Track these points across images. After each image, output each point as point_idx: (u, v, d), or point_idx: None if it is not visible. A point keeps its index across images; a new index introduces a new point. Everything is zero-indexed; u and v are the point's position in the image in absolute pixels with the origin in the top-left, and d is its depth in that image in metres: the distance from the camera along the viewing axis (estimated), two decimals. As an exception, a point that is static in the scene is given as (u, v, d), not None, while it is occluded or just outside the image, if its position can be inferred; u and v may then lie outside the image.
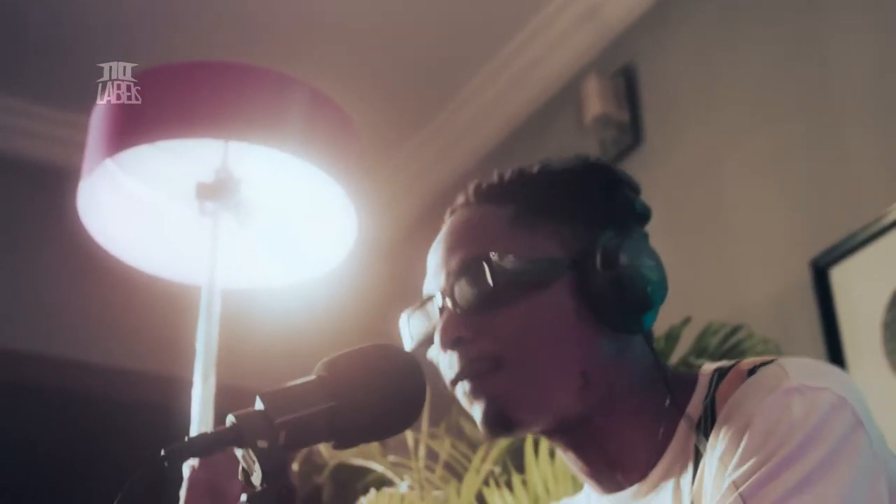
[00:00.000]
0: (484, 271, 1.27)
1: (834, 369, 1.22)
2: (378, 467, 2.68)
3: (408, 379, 1.20)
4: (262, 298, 2.66)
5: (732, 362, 1.28)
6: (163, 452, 1.09)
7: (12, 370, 4.08)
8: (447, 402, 2.78)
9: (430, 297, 1.32)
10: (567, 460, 1.35)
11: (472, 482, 2.51)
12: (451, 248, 1.32)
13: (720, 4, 3.50)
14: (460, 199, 1.37)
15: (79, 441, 4.16)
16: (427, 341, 1.33)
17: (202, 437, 1.12)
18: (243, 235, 2.36)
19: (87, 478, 3.57)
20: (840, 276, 2.90)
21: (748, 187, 3.26)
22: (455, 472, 2.68)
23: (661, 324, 2.57)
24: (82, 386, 4.18)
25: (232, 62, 2.24)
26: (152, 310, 3.70)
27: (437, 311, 1.31)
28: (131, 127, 2.15)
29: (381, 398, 1.18)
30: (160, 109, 2.15)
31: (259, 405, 1.14)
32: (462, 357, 1.28)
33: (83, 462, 4.07)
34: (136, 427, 3.57)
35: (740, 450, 1.14)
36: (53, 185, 3.57)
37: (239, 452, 1.13)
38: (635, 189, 1.36)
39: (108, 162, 2.22)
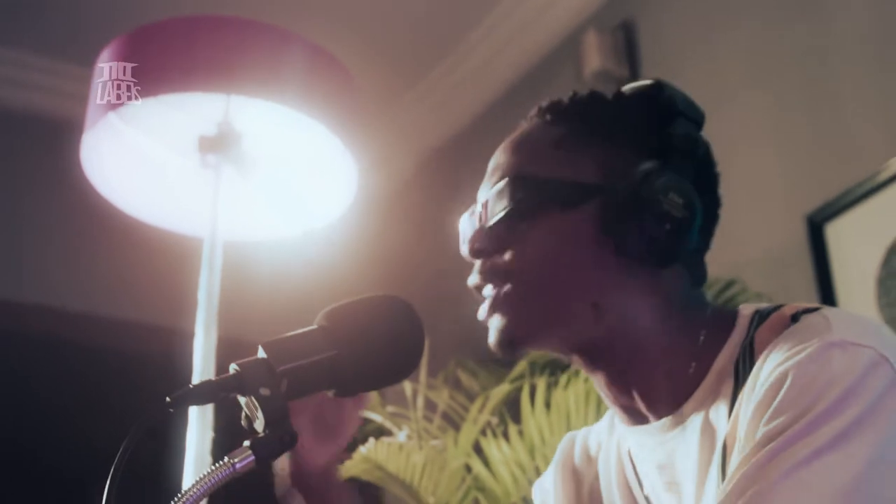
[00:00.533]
0: (513, 188, 1.29)
1: (878, 325, 1.20)
2: (377, 417, 2.71)
3: (407, 329, 1.23)
4: (263, 250, 2.69)
5: (774, 305, 1.27)
6: (167, 399, 1.12)
7: (15, 321, 4.11)
8: (445, 355, 2.83)
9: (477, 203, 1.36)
10: (595, 384, 1.35)
11: (469, 432, 2.54)
12: (498, 160, 1.36)
13: (720, -40, 3.51)
14: (532, 112, 1.39)
15: (81, 391, 4.19)
16: None
17: (206, 384, 1.15)
18: (244, 188, 2.38)
19: (88, 428, 3.60)
20: (835, 231, 2.92)
21: (745, 143, 3.28)
22: (453, 422, 2.71)
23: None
24: (85, 337, 4.21)
25: (233, 17, 2.26)
26: (155, 262, 3.72)
27: (477, 219, 1.34)
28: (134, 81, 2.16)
29: (381, 347, 1.21)
30: (163, 63, 2.17)
31: (262, 354, 1.16)
32: (481, 267, 1.31)
33: (85, 412, 4.10)
34: (137, 378, 3.60)
35: (777, 401, 1.13)
36: (57, 137, 3.59)
37: (242, 400, 1.16)
38: (696, 120, 1.34)
39: (112, 115, 2.24)
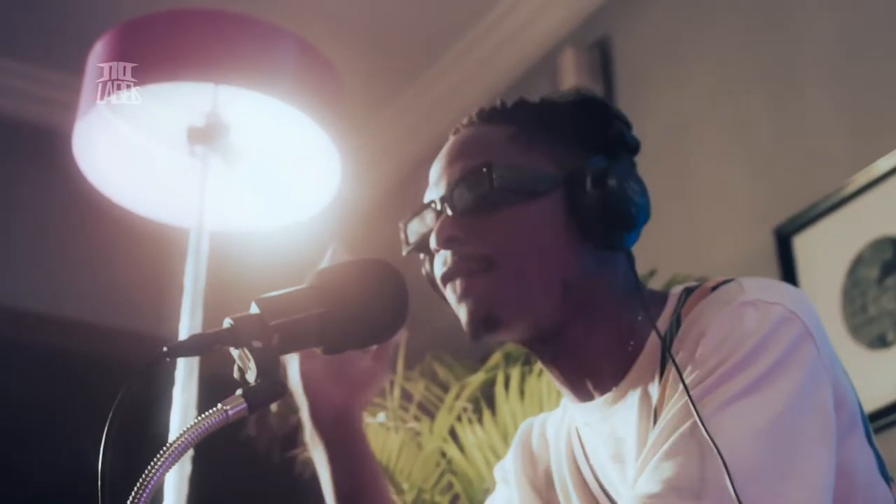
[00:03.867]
0: (481, 178, 1.34)
1: (788, 287, 1.29)
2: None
3: (392, 290, 1.29)
4: (249, 241, 2.72)
5: (700, 283, 1.36)
6: (164, 349, 1.17)
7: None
8: (422, 350, 2.87)
9: (428, 204, 1.40)
10: (546, 370, 1.43)
11: (444, 419, 2.59)
12: (452, 160, 1.40)
13: (691, -20, 3.59)
14: (464, 121, 1.44)
15: (63, 397, 4.16)
16: (422, 245, 1.41)
17: (201, 335, 1.20)
18: (231, 179, 2.43)
19: (68, 436, 3.56)
20: (802, 243, 2.99)
21: (715, 157, 3.35)
22: (428, 412, 2.75)
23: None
24: (63, 341, 4.18)
25: (222, 10, 2.31)
26: (140, 266, 3.74)
27: (434, 216, 1.38)
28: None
29: (368, 306, 1.27)
30: (152, 54, 2.21)
31: (254, 309, 1.22)
32: (454, 254, 1.35)
33: (66, 419, 4.06)
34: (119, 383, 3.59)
35: (697, 355, 1.22)
36: (41, 144, 3.64)
37: (235, 352, 1.21)
38: (627, 124, 1.42)
39: (102, 105, 2.28)
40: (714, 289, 1.30)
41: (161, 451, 1.11)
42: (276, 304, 1.23)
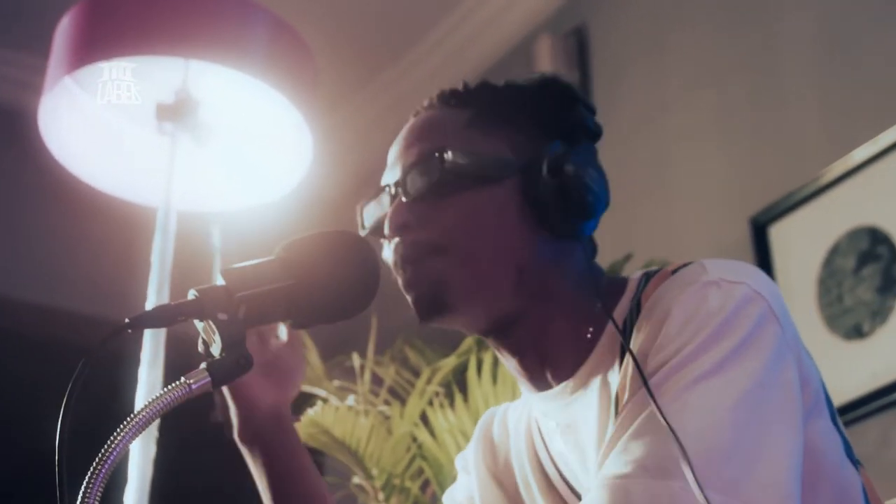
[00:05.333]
0: (435, 163, 1.32)
1: (752, 268, 1.27)
2: (322, 392, 2.72)
3: (363, 263, 1.26)
4: (218, 221, 2.68)
5: (661, 267, 1.33)
6: (127, 320, 1.14)
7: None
8: (393, 334, 2.85)
9: (384, 188, 1.37)
10: (503, 360, 1.40)
11: (415, 403, 2.57)
12: (408, 143, 1.37)
13: (670, -33, 3.57)
14: (424, 103, 1.42)
15: (24, 382, 4.12)
16: (379, 229, 1.38)
17: (165, 307, 1.16)
18: (200, 157, 2.39)
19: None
20: (778, 233, 2.98)
21: (692, 145, 3.34)
22: (399, 396, 2.73)
23: (603, 263, 2.64)
24: (24, 326, 4.15)
25: (193, -16, 2.27)
26: (109, 247, 3.70)
27: (390, 201, 1.36)
28: (91, 44, 2.16)
29: (338, 280, 1.23)
30: (120, 27, 2.17)
31: (220, 281, 1.18)
32: (405, 241, 1.33)
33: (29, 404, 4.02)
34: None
35: (659, 338, 1.20)
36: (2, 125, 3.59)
37: (199, 325, 1.17)
38: (591, 109, 1.40)
39: (68, 80, 2.23)
40: (675, 272, 1.28)
41: (124, 424, 1.08)
42: (242, 275, 1.20)
